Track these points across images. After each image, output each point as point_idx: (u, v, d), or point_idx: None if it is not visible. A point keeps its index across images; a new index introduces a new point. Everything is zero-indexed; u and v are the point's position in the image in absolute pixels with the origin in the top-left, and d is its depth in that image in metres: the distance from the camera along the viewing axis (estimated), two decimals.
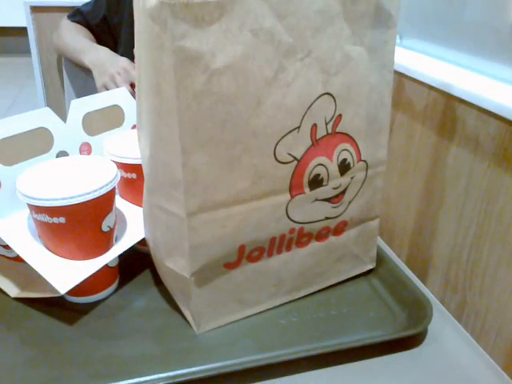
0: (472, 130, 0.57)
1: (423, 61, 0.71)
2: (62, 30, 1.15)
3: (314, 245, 0.55)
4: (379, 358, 0.50)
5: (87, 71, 1.05)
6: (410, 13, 0.79)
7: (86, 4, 1.17)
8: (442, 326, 0.55)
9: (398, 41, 0.82)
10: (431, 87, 0.63)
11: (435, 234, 0.65)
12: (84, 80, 1.16)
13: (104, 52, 1.04)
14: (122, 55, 1.02)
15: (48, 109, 0.56)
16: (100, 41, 1.16)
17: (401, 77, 0.69)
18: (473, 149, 0.57)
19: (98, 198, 0.49)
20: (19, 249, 0.51)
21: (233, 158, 0.44)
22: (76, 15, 1.16)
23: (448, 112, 0.60)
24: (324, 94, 0.47)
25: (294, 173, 0.48)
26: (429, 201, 0.66)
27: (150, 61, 0.40)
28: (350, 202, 0.54)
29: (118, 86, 0.96)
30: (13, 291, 0.56)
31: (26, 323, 0.52)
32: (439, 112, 0.62)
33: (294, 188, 0.49)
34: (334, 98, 0.48)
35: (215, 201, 0.45)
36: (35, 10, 1.27)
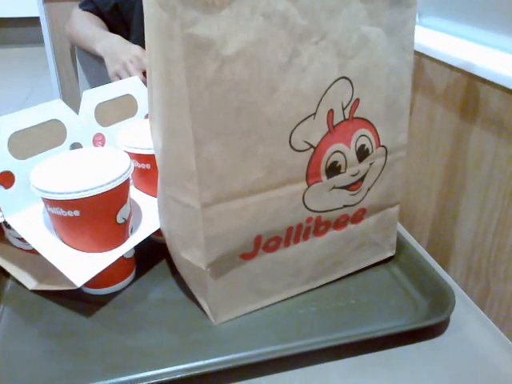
0: (496, 111, 0.54)
1: (443, 40, 0.68)
2: (74, 20, 1.15)
3: (332, 233, 0.53)
4: (400, 347, 0.49)
5: (100, 60, 1.05)
6: None
7: None
8: (465, 313, 0.53)
9: (416, 19, 0.79)
10: (452, 67, 0.60)
11: (457, 219, 0.63)
12: (97, 68, 1.16)
13: (116, 40, 1.03)
14: (134, 43, 1.01)
15: (60, 100, 0.56)
16: (112, 28, 1.15)
17: (420, 57, 0.67)
18: (497, 131, 0.54)
19: (111, 190, 0.49)
20: (34, 242, 0.51)
21: (247, 147, 0.43)
22: (87, 4, 1.16)
23: (470, 93, 0.58)
24: (340, 78, 0.45)
25: (310, 161, 0.47)
26: (451, 185, 0.64)
27: (160, 49, 0.39)
28: (368, 189, 0.53)
29: (130, 74, 0.95)
30: (30, 284, 0.56)
31: (43, 315, 0.53)
32: (461, 93, 0.60)
33: (310, 176, 0.48)
34: (350, 81, 0.46)
35: (230, 191, 0.44)
36: (47, 0, 1.26)
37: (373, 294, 0.55)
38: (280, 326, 0.51)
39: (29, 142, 0.53)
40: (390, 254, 0.60)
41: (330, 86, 0.45)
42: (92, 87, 1.29)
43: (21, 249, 0.58)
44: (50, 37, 1.29)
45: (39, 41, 1.31)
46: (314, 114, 0.45)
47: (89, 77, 1.26)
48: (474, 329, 0.52)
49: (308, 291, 0.55)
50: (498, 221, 0.56)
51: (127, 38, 1.06)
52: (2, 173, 0.51)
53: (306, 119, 0.44)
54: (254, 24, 0.38)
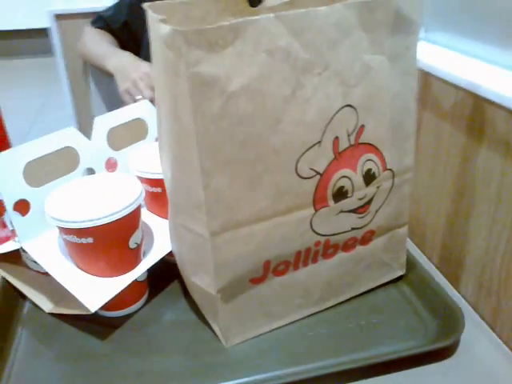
0: (502, 132, 0.54)
1: (450, 57, 0.68)
2: (86, 37, 1.16)
3: (341, 255, 0.54)
4: (410, 370, 0.49)
5: (112, 77, 1.06)
6: (436, 3, 0.76)
7: (108, 9, 1.18)
8: (476, 334, 0.53)
9: (422, 34, 0.79)
10: (458, 87, 0.61)
11: (467, 236, 0.63)
12: (108, 85, 1.18)
13: (126, 57, 1.04)
14: (144, 59, 1.02)
15: (73, 128, 0.57)
16: (123, 45, 1.16)
17: (427, 76, 0.67)
18: (504, 151, 0.55)
19: (123, 217, 0.50)
20: (49, 267, 0.52)
21: (254, 177, 0.44)
22: (98, 21, 1.17)
23: (476, 113, 0.58)
24: (345, 106, 0.46)
25: (317, 187, 0.47)
26: (460, 202, 0.64)
27: (167, 85, 0.40)
28: (376, 211, 0.53)
29: (140, 92, 0.96)
30: (47, 306, 0.57)
31: (59, 338, 0.54)
32: (467, 112, 0.60)
33: (317, 201, 0.48)
34: (355, 109, 0.46)
35: (238, 220, 0.45)
36: (59, 17, 1.29)
37: (383, 314, 0.56)
38: (290, 349, 0.51)
39: (43, 170, 0.55)
40: (400, 273, 0.60)
41: (335, 114, 0.45)
42: (104, 102, 1.31)
43: (37, 271, 0.60)
44: (61, 52, 1.32)
45: (51, 51, 1.33)
46: (320, 142, 0.45)
47: (101, 93, 1.28)
48: (485, 350, 0.52)
49: (318, 312, 0.56)
50: (507, 240, 0.56)
51: (138, 54, 1.08)
52: (19, 201, 0.53)
53: (311, 147, 0.45)
54: (258, 60, 0.39)
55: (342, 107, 0.46)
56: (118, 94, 1.01)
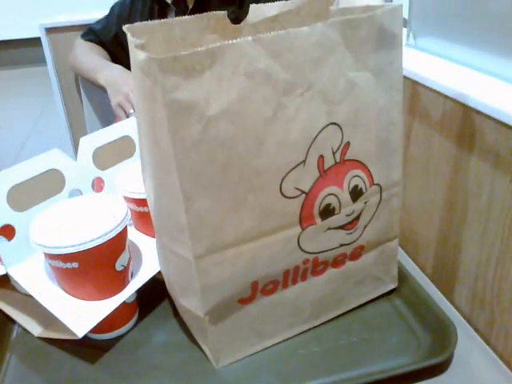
0: (492, 143, 0.54)
1: (438, 66, 0.68)
2: (76, 50, 1.16)
3: (331, 272, 0.53)
4: None
5: (103, 90, 1.06)
6: (425, 9, 0.75)
7: (98, 22, 1.18)
8: (469, 348, 0.53)
9: (412, 41, 0.79)
10: (447, 97, 0.60)
11: (460, 247, 0.63)
12: (101, 98, 1.17)
13: (118, 70, 1.04)
14: None
15: (57, 150, 0.57)
16: (114, 57, 1.16)
17: (415, 85, 0.67)
18: (493, 162, 0.54)
19: (108, 240, 0.49)
20: (35, 292, 0.52)
21: (237, 199, 0.43)
22: (89, 34, 1.17)
23: (466, 123, 0.58)
24: (329, 124, 0.45)
25: (303, 206, 0.47)
26: (451, 213, 0.64)
27: (145, 111, 0.40)
28: (365, 227, 0.53)
29: (132, 105, 0.96)
30: (36, 330, 0.57)
31: (48, 363, 0.53)
32: (457, 123, 0.59)
33: (304, 220, 0.48)
34: (339, 126, 0.46)
35: (223, 242, 0.44)
36: (50, 31, 1.29)
37: (375, 330, 0.55)
38: (282, 368, 0.51)
39: (28, 194, 0.55)
40: (391, 286, 0.59)
41: (319, 133, 0.45)
42: (97, 114, 1.30)
43: (25, 295, 0.59)
44: (53, 65, 1.31)
45: (44, 60, 1.33)
46: (304, 161, 0.45)
47: (93, 104, 1.28)
48: (479, 364, 0.51)
49: (309, 330, 0.55)
50: (499, 251, 0.55)
51: (129, 66, 1.07)
52: (3, 226, 0.53)
53: (295, 167, 0.44)
54: (237, 83, 0.39)
55: (327, 125, 0.45)
56: (110, 107, 1.01)
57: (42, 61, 1.37)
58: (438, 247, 0.69)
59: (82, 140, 0.59)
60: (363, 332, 0.55)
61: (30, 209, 0.54)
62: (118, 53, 1.15)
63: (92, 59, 1.11)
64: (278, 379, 0.50)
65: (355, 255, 0.54)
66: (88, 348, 0.55)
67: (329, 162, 0.47)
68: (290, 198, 0.46)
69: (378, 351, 0.52)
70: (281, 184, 0.44)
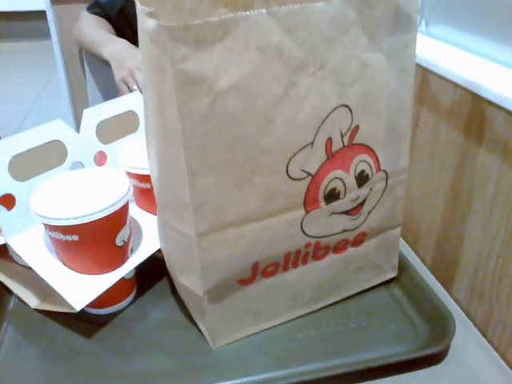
0: (500, 133, 0.53)
1: (450, 53, 0.67)
2: (81, 23, 1.14)
3: (332, 257, 0.53)
4: (398, 376, 0.48)
5: (107, 64, 1.04)
6: None
7: None
8: (466, 340, 0.53)
9: (423, 28, 0.77)
10: (457, 85, 0.59)
11: (461, 238, 0.62)
12: (105, 73, 1.16)
13: (123, 45, 1.02)
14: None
15: (60, 121, 0.56)
16: (120, 32, 1.14)
17: (425, 72, 0.66)
18: (501, 153, 0.53)
19: (109, 214, 0.49)
20: (34, 263, 0.51)
21: (242, 177, 0.42)
22: (94, 7, 1.15)
23: (475, 112, 0.57)
24: (339, 106, 0.44)
25: (308, 188, 0.46)
26: (455, 203, 0.63)
27: (153, 82, 0.39)
28: (369, 213, 0.52)
29: (136, 81, 0.95)
30: (33, 302, 0.57)
31: (45, 335, 0.53)
32: (466, 112, 0.58)
33: (308, 203, 0.47)
34: (350, 109, 0.45)
35: (226, 221, 0.44)
36: (55, 1, 1.26)
37: (373, 317, 0.55)
38: (279, 351, 0.51)
39: (29, 164, 0.54)
40: (391, 275, 0.59)
41: (329, 114, 0.44)
42: (100, 89, 1.28)
43: (24, 266, 0.59)
44: (58, 38, 1.29)
45: (48, 35, 1.31)
46: (312, 142, 0.44)
47: (97, 80, 1.26)
48: (475, 356, 0.51)
49: (307, 314, 0.55)
50: (501, 243, 0.55)
51: (134, 41, 1.05)
52: (4, 195, 0.52)
53: (303, 148, 0.44)
54: (248, 58, 0.38)
55: (337, 107, 0.44)
56: (114, 82, 1.00)
57: (45, 35, 1.35)
58: (439, 238, 0.68)
59: (86, 112, 0.58)
60: (361, 319, 0.55)
61: (31, 179, 0.54)
62: (124, 27, 1.13)
63: (97, 32, 1.09)
64: (274, 361, 0.50)
65: (357, 241, 0.54)
66: (84, 322, 0.54)
67: (337, 145, 0.46)
68: (295, 179, 0.45)
69: (374, 338, 0.52)
70: (287, 165, 0.44)
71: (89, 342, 0.52)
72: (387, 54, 0.45)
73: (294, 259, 0.50)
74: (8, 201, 0.52)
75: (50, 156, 0.56)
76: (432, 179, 0.68)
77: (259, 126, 0.41)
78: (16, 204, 0.53)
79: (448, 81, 0.61)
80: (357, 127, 0.46)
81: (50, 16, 1.27)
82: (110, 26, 1.15)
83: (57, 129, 0.55)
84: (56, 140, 0.56)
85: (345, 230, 0.51)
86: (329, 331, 0.53)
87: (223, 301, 0.49)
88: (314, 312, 0.55)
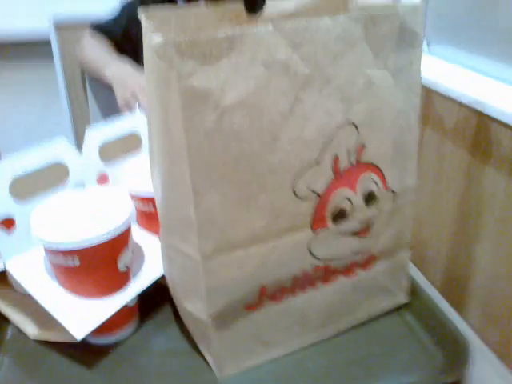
0: (507, 151, 0.52)
1: (453, 72, 0.67)
2: (84, 45, 1.14)
3: (341, 280, 0.51)
4: None
5: (110, 87, 1.03)
6: (438, 16, 0.74)
7: (107, 17, 1.16)
8: (483, 366, 0.50)
9: (425, 48, 0.78)
10: (461, 104, 0.59)
11: (472, 261, 0.61)
12: (107, 95, 1.15)
13: (125, 66, 1.01)
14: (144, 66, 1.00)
15: (63, 139, 0.55)
16: (122, 52, 1.13)
17: (429, 91, 0.65)
18: (508, 170, 0.52)
19: (111, 238, 0.47)
20: (32, 289, 0.50)
21: (248, 196, 0.41)
22: (97, 28, 1.15)
23: (481, 131, 0.56)
24: (345, 123, 0.44)
25: (315, 208, 0.45)
26: (464, 225, 0.62)
27: (158, 99, 0.38)
28: (378, 234, 0.51)
29: (139, 103, 0.94)
30: (32, 332, 0.54)
31: (43, 367, 0.51)
32: (471, 130, 0.58)
33: (315, 223, 0.46)
34: (356, 127, 0.44)
35: (231, 241, 0.43)
36: (60, 27, 1.27)
37: (385, 345, 0.53)
38: (287, 381, 0.48)
39: (30, 185, 0.53)
40: (402, 299, 0.57)
41: (335, 132, 0.43)
42: (102, 112, 1.27)
43: (23, 294, 0.57)
44: (60, 61, 1.29)
45: (49, 58, 1.32)
46: (319, 161, 0.43)
47: (98, 101, 1.26)
48: (493, 382, 0.49)
49: (318, 342, 0.53)
50: None
51: (136, 62, 1.05)
52: (4, 218, 0.51)
53: (309, 167, 0.43)
54: (254, 73, 0.37)
55: (343, 124, 0.43)
56: (117, 104, 0.99)
57: (47, 58, 1.35)
58: (448, 260, 0.67)
59: (88, 133, 0.58)
60: (373, 346, 0.52)
61: (31, 200, 0.52)
62: (127, 48, 1.11)
63: (99, 53, 1.08)
64: None
65: (367, 264, 0.52)
66: (85, 352, 0.52)
67: (343, 163, 0.45)
68: (302, 198, 0.44)
69: (388, 366, 0.50)
70: (294, 184, 0.43)
71: (89, 372, 0.50)
72: (393, 71, 0.45)
73: (302, 283, 0.48)
74: (7, 223, 0.51)
75: (51, 177, 0.55)
76: (439, 201, 0.67)
77: (265, 143, 0.40)
78: (15, 226, 0.52)
79: (452, 100, 0.61)
80: (363, 145, 0.46)
81: (53, 40, 1.28)
82: (113, 47, 1.15)
83: (59, 149, 0.54)
84: (58, 161, 0.55)
85: (353, 252, 0.50)
86: (340, 360, 0.51)
87: (229, 327, 0.47)
88: (324, 340, 0.53)
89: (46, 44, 1.34)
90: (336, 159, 0.44)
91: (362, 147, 0.45)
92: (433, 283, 0.66)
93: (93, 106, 1.28)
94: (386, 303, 0.56)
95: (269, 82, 0.38)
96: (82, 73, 1.30)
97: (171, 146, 0.39)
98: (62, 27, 1.31)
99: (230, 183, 0.40)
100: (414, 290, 0.58)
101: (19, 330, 0.55)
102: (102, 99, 1.27)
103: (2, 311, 0.56)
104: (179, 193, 0.41)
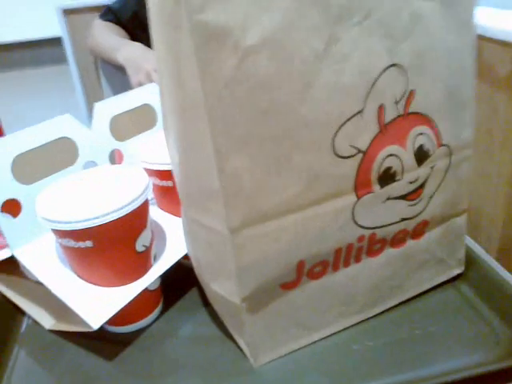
0: None
1: (503, 16, 0.58)
2: (95, 30, 1.11)
3: (389, 252, 0.45)
4: None
5: (123, 71, 1.00)
6: None
7: (116, 1, 1.12)
8: None
9: None
10: None
11: None
12: (121, 80, 1.11)
13: (137, 48, 0.98)
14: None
15: (69, 115, 0.50)
16: (134, 37, 1.11)
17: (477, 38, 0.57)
18: None
19: (127, 215, 0.42)
20: (45, 278, 0.45)
21: (281, 157, 0.35)
22: (107, 14, 1.12)
23: None
24: (391, 65, 0.37)
25: (359, 168, 0.38)
26: None
27: (167, 45, 0.32)
28: (430, 198, 0.44)
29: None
30: (48, 322, 0.50)
31: (61, 360, 0.46)
32: None
33: (359, 187, 0.39)
34: (403, 69, 0.37)
35: (263, 211, 0.36)
36: (68, 13, 1.23)
37: (441, 321, 0.46)
38: (332, 367, 0.43)
39: (35, 165, 0.48)
40: (457, 271, 0.50)
41: (379, 76, 0.36)
42: None
43: (36, 282, 0.52)
44: (72, 52, 1.26)
45: (64, 60, 1.29)
46: (361, 111, 0.36)
47: (114, 89, 1.22)
48: None
49: (362, 322, 0.47)
50: None
51: (148, 45, 1.01)
52: (7, 201, 0.46)
53: (351, 118, 0.36)
54: (280, 4, 0.31)
55: (388, 67, 0.37)
56: (131, 88, 0.95)
57: (61, 60, 1.33)
58: (505, 227, 0.59)
59: (97, 106, 0.52)
60: (427, 324, 0.46)
61: (37, 182, 0.47)
62: (137, 31, 1.09)
63: (110, 39, 1.05)
64: (327, 380, 0.41)
65: (417, 232, 0.46)
66: (105, 342, 0.48)
67: (390, 114, 0.38)
68: (343, 157, 0.37)
69: (446, 346, 0.44)
70: (333, 139, 0.36)
71: (111, 364, 0.45)
72: (443, 2, 0.38)
73: (345, 256, 0.42)
74: (13, 207, 0.46)
75: (58, 155, 0.49)
76: (491, 162, 0.60)
77: (297, 91, 0.33)
78: (22, 210, 0.47)
79: (504, 43, 0.53)
80: (413, 92, 0.39)
81: (63, 27, 1.23)
82: (124, 32, 1.12)
83: (66, 124, 0.49)
84: (65, 137, 0.49)
85: (403, 219, 0.43)
86: (391, 340, 0.45)
87: (264, 310, 0.42)
88: (370, 319, 0.47)
89: (58, 47, 1.30)
90: (381, 109, 0.37)
91: (411, 94, 0.38)
92: (487, 252, 0.59)
93: (108, 94, 1.24)
94: (440, 276, 0.49)
95: (298, 16, 0.31)
96: (95, 61, 1.27)
97: (186, 102, 0.33)
98: (70, 12, 1.26)
99: (257, 142, 0.34)
100: (469, 259, 0.51)
101: (34, 321, 0.51)
102: (116, 85, 1.23)
103: (16, 302, 0.51)
104: (199, 157, 0.35)
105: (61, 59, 1.47)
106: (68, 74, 1.32)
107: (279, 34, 0.31)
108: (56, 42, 1.45)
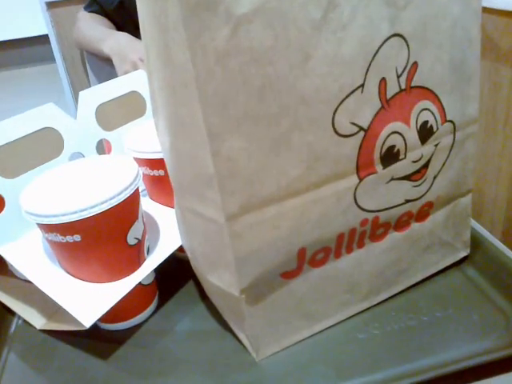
0: None
1: None
2: (80, 23, 1.08)
3: (393, 236, 0.43)
4: (488, 379, 0.38)
5: (110, 62, 0.97)
6: None
7: None
8: None
9: None
10: None
11: None
12: (109, 72, 1.08)
13: (123, 37, 0.96)
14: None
15: (52, 104, 0.47)
16: (120, 27, 1.08)
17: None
18: None
19: (116, 206, 0.39)
20: (33, 275, 0.42)
21: (278, 137, 0.33)
22: (92, 5, 1.09)
23: None
24: (392, 35, 0.34)
25: (360, 148, 0.36)
26: None
27: (153, 18, 0.30)
28: (435, 177, 0.42)
29: None
30: (38, 322, 0.48)
31: (54, 360, 0.44)
32: None
33: (362, 167, 0.37)
34: (405, 40, 0.35)
35: (261, 196, 0.34)
36: (51, 6, 1.20)
37: (448, 306, 0.44)
38: (338, 358, 0.41)
39: (18, 158, 0.45)
40: (463, 253, 0.49)
41: (380, 46, 0.34)
42: None
43: (26, 281, 0.50)
44: (58, 46, 1.23)
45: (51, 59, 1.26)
46: (362, 85, 0.34)
47: (101, 82, 1.19)
48: None
49: (367, 309, 0.45)
50: None
51: (135, 35, 0.98)
52: None
53: (351, 94, 0.34)
54: None
55: (389, 37, 0.34)
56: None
57: (49, 59, 1.29)
58: (509, 208, 0.58)
59: (82, 94, 0.50)
60: (435, 309, 0.44)
61: (21, 175, 0.45)
62: (124, 22, 1.06)
63: (96, 30, 1.02)
64: (333, 371, 0.40)
65: (422, 215, 0.44)
66: (100, 340, 0.45)
67: (392, 88, 0.36)
68: (344, 136, 0.35)
69: (455, 332, 0.42)
70: (333, 117, 0.34)
71: (105, 363, 0.43)
72: None
73: (347, 242, 0.40)
74: None
75: (42, 147, 0.47)
76: (495, 140, 0.58)
77: (295, 64, 0.31)
78: (6, 206, 0.44)
79: (507, 14, 0.51)
80: (415, 64, 0.36)
81: (47, 20, 1.20)
82: (110, 23, 1.08)
83: (49, 114, 0.47)
84: (49, 128, 0.47)
85: (407, 201, 0.41)
86: (397, 328, 0.43)
87: (265, 301, 0.39)
88: (375, 307, 0.45)
89: (46, 46, 1.27)
90: (383, 83, 0.35)
91: (414, 67, 0.36)
92: (491, 234, 0.57)
93: (94, 84, 1.21)
94: (445, 259, 0.48)
95: None
96: (82, 54, 1.24)
97: (175, 79, 0.31)
98: (54, 5, 1.22)
99: (253, 121, 0.32)
100: (474, 241, 0.50)
101: (25, 321, 0.48)
102: (104, 78, 1.20)
103: (4, 302, 0.49)
104: (191, 139, 0.32)
105: (48, 58, 1.44)
106: (55, 72, 1.29)
107: (273, 1, 0.29)
108: (43, 39, 1.42)
